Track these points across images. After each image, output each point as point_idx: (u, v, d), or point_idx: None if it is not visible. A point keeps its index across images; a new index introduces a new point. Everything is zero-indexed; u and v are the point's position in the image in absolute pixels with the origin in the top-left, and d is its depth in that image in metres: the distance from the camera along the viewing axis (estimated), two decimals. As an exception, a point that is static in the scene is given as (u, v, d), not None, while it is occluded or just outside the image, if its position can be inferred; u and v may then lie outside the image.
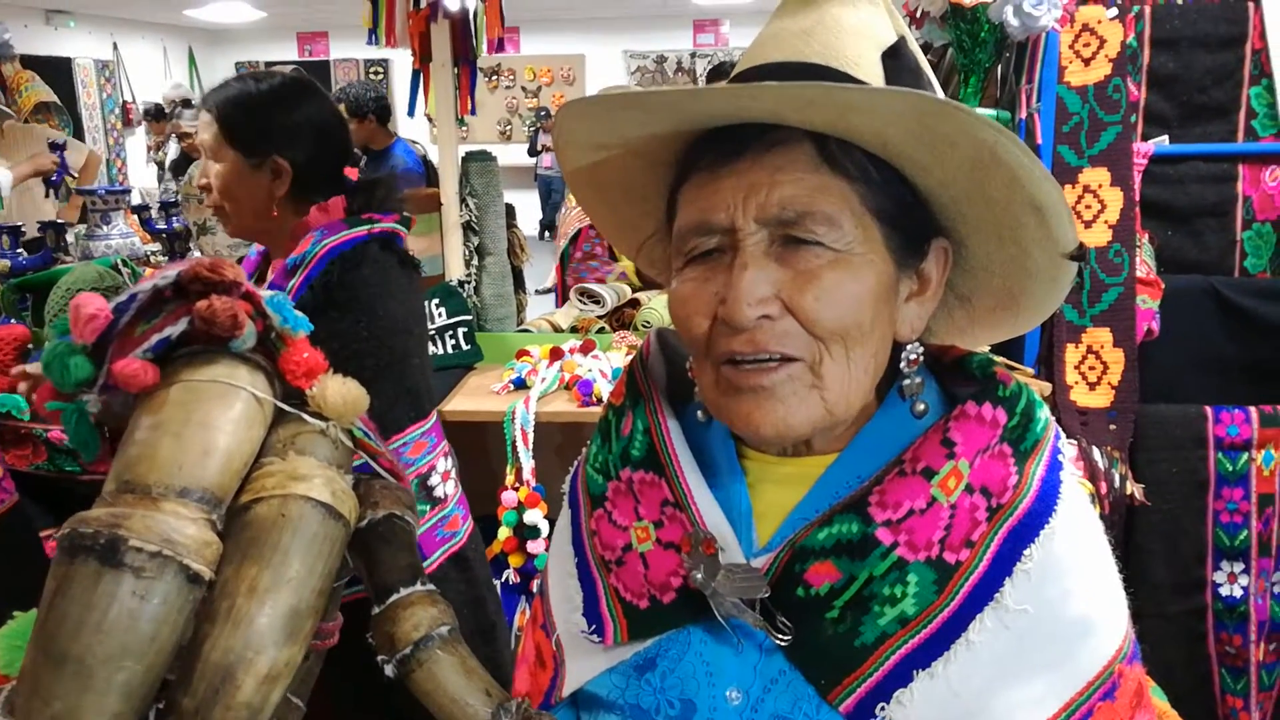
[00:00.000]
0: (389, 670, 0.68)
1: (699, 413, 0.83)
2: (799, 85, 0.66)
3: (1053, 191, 0.70)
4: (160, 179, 6.25)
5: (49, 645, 0.55)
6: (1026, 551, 0.73)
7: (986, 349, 0.93)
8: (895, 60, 0.75)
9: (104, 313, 0.62)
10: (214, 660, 0.58)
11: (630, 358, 0.94)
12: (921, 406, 0.78)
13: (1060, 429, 0.80)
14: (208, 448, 0.61)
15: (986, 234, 0.77)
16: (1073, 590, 0.74)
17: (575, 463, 0.96)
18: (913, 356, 0.79)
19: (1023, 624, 0.72)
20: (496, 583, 2.37)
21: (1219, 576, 2.22)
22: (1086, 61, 2.15)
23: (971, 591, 0.72)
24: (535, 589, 2.37)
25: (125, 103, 10.62)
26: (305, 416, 0.67)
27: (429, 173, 4.67)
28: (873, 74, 0.74)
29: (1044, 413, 0.78)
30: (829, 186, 0.72)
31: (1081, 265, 0.75)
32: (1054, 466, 0.77)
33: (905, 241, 0.75)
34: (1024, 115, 2.23)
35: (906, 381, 0.79)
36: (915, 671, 0.71)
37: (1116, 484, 2.16)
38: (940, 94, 0.79)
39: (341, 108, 5.01)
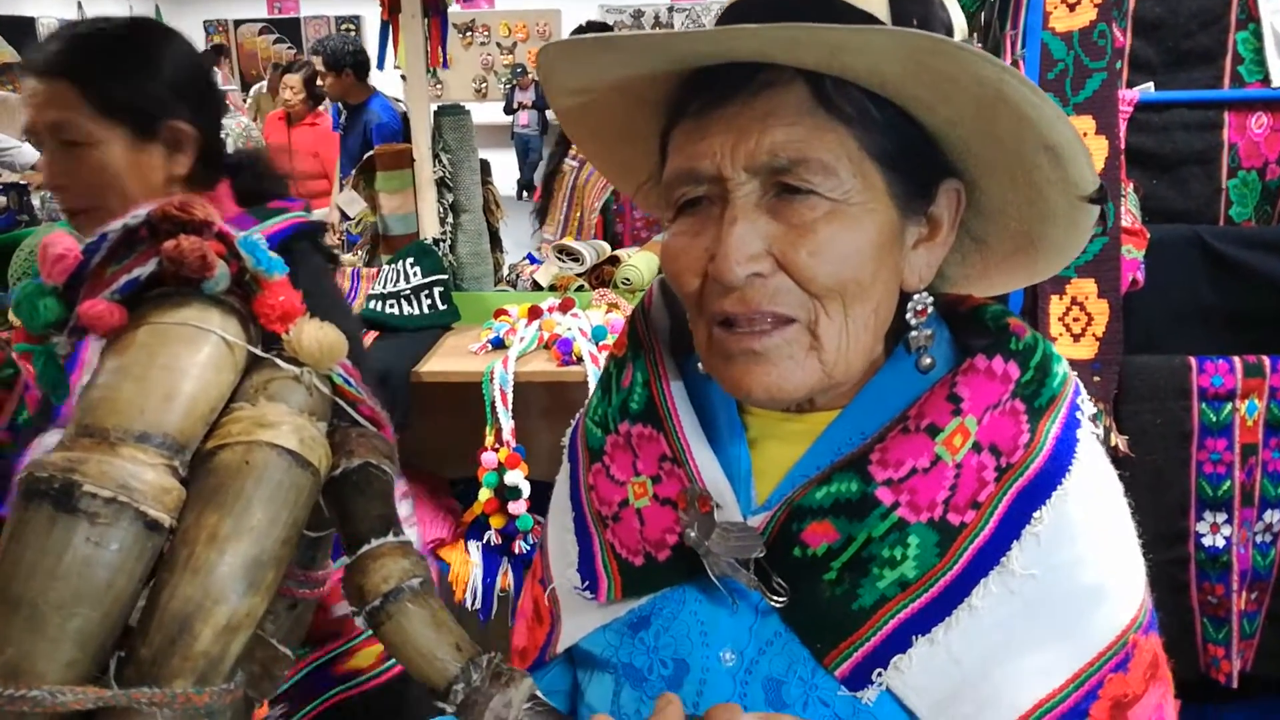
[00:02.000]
0: (359, 622, 0.67)
1: (699, 364, 0.80)
2: (782, 26, 0.62)
3: (1066, 131, 0.65)
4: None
5: (2, 590, 0.54)
6: (1037, 514, 0.70)
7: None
8: None
9: (73, 253, 0.61)
10: (172, 609, 0.57)
11: (630, 310, 0.91)
12: (928, 360, 0.75)
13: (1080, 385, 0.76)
14: (170, 392, 0.59)
15: (999, 175, 0.72)
16: (1085, 556, 0.71)
17: (576, 416, 0.94)
18: (920, 307, 0.75)
19: (1030, 590, 0.69)
20: (478, 544, 2.36)
21: (1202, 527, 2.22)
22: (1072, 7, 2.11)
23: (976, 555, 0.69)
24: (519, 550, 2.36)
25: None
26: (279, 362, 0.65)
27: (406, 130, 4.62)
28: (875, 2, 0.69)
29: (1062, 367, 0.74)
30: (824, 131, 0.67)
31: (1104, 214, 0.71)
32: (1070, 424, 0.73)
33: (911, 186, 0.71)
34: (1008, 61, 2.19)
35: (913, 334, 0.75)
36: (914, 637, 0.69)
37: (1101, 435, 2.15)
38: (957, 17, 0.74)
39: (319, 60, 4.97)
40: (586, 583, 0.82)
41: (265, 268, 0.66)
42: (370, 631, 0.67)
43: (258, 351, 0.65)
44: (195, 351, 0.61)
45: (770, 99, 0.68)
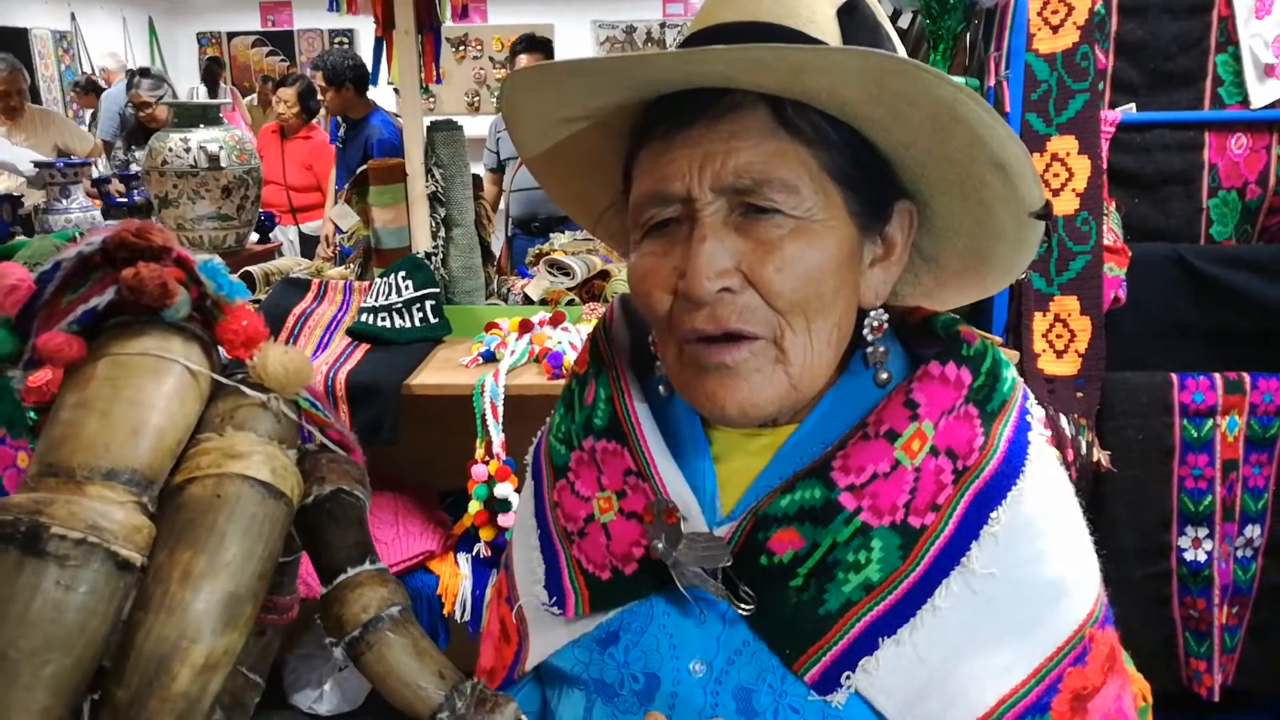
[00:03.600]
0: (338, 654, 0.66)
1: (661, 388, 0.82)
2: (747, 47, 0.64)
3: (1016, 149, 0.68)
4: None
5: None
6: (994, 514, 0.72)
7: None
8: (852, 16, 0.73)
9: (26, 283, 0.59)
10: (148, 650, 0.55)
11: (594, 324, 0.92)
12: (885, 376, 0.77)
13: (1029, 390, 0.79)
14: (137, 426, 0.57)
15: (950, 194, 0.75)
16: (1042, 553, 0.73)
17: (539, 434, 0.95)
18: (876, 324, 0.77)
19: (990, 588, 0.71)
20: (467, 556, 2.37)
21: (1183, 541, 2.25)
22: (1055, 29, 2.14)
23: (937, 556, 0.71)
24: (502, 562, 2.36)
25: (85, 74, 10.40)
26: (244, 389, 0.63)
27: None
28: (829, 32, 0.72)
29: (1011, 372, 0.77)
30: (786, 151, 0.70)
31: (1049, 230, 0.74)
32: (1022, 427, 0.75)
33: (867, 205, 0.74)
34: (992, 83, 2.22)
35: (869, 349, 0.77)
36: (881, 639, 0.70)
37: (1083, 451, 2.18)
38: (900, 51, 0.77)
39: (319, 75, 4.99)
40: (554, 598, 0.83)
41: (226, 292, 0.64)
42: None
43: (222, 379, 0.63)
44: (159, 383, 0.59)
45: (734, 121, 0.70)
